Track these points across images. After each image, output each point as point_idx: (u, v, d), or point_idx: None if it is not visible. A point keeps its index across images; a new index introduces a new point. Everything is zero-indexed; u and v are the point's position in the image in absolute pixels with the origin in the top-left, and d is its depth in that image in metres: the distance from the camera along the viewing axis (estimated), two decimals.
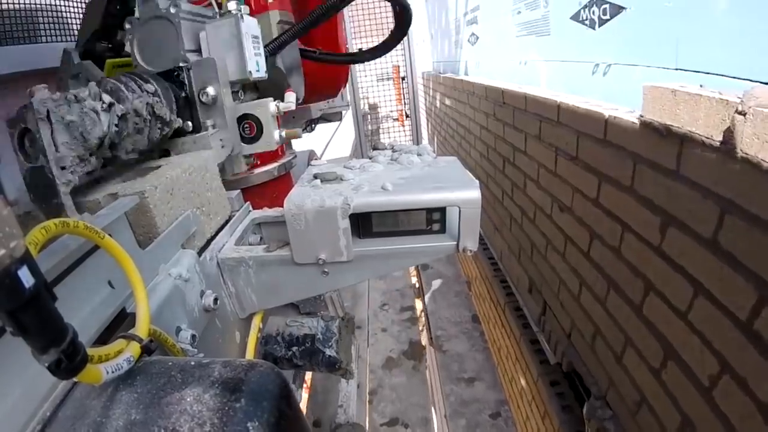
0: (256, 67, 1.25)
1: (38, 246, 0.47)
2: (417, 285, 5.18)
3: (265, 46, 1.35)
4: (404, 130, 7.11)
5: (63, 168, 0.75)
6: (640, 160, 1.28)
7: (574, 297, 1.85)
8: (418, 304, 4.85)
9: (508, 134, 2.55)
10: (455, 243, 0.90)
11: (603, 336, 1.64)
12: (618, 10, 1.66)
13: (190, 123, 1.17)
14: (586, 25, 1.91)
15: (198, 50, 1.20)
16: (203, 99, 1.16)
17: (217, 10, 1.25)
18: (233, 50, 1.19)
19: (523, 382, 2.57)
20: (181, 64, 1.14)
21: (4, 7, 1.59)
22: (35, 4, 1.73)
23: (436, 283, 4.60)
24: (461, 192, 0.85)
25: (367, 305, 4.39)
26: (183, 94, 1.15)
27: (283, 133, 1.32)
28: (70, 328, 0.43)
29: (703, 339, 1.10)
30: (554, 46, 2.29)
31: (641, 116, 1.25)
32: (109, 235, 0.62)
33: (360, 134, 6.45)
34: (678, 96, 1.08)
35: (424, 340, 4.22)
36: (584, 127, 1.60)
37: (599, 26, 1.82)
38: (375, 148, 1.20)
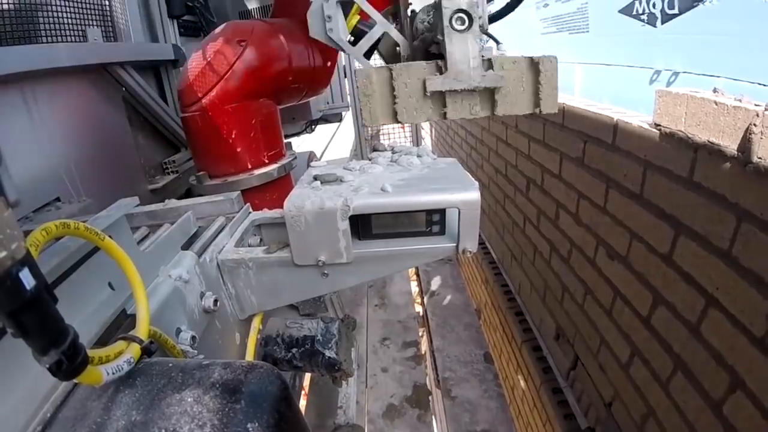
0: None
1: (39, 247, 0.48)
2: (421, 315, 4.57)
3: None
4: (404, 132, 7.09)
5: None
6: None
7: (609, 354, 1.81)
8: (422, 336, 4.31)
9: (511, 137, 2.52)
10: (455, 244, 0.90)
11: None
12: (692, 2, 1.29)
13: None
14: (643, 20, 1.54)
15: None
16: None
17: None
18: None
19: None
20: None
21: None
22: None
23: (443, 314, 4.05)
24: (461, 193, 0.84)
25: (366, 339, 3.89)
26: None
27: None
28: (71, 329, 0.43)
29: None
30: (594, 45, 1.90)
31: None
32: (109, 236, 0.62)
33: (360, 135, 6.42)
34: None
35: (430, 383, 3.73)
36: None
37: (663, 23, 1.44)
38: (375, 150, 1.19)
